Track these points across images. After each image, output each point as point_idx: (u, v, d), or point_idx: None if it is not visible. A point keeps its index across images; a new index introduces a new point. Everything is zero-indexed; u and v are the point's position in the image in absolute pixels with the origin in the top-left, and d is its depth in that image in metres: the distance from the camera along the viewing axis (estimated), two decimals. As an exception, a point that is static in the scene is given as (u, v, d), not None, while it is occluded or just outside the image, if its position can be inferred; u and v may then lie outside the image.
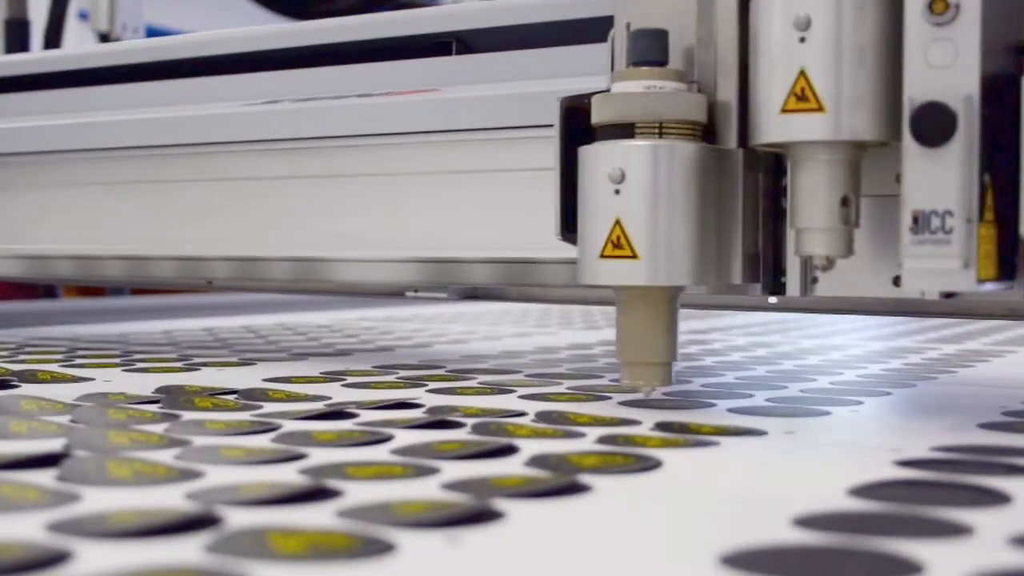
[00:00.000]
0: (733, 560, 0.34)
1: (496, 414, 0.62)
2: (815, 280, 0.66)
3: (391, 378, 0.79)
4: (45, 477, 0.44)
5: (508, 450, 0.51)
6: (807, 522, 0.38)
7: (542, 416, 0.61)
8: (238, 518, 0.38)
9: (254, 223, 0.92)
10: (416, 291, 0.94)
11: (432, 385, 0.75)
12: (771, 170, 0.67)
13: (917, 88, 0.56)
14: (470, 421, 0.59)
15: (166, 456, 0.49)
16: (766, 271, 0.67)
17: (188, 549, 0.34)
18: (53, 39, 2.38)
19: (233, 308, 1.77)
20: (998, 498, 0.42)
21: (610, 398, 0.69)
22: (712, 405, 0.67)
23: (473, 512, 0.39)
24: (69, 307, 1.94)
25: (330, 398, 0.68)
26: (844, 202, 0.60)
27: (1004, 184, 0.57)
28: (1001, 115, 0.57)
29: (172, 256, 0.97)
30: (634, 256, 0.63)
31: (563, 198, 0.67)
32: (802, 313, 1.45)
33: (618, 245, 0.63)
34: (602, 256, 0.64)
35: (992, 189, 0.57)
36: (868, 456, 0.51)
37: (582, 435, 0.55)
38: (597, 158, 0.64)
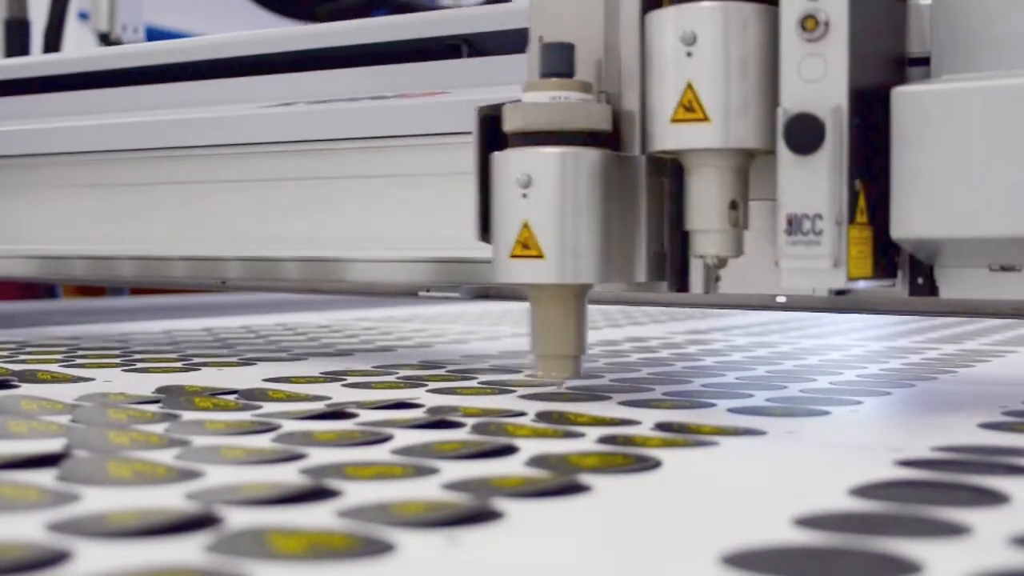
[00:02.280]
0: (733, 560, 0.34)
1: (496, 414, 0.62)
2: (718, 279, 0.70)
3: (391, 378, 0.79)
4: (45, 477, 0.44)
5: (508, 450, 0.51)
6: (807, 522, 0.38)
7: (542, 416, 0.61)
8: (238, 518, 0.38)
9: (265, 224, 0.94)
10: (428, 291, 0.96)
11: (432, 385, 0.75)
12: (676, 175, 0.69)
13: (790, 100, 0.60)
14: (470, 421, 0.59)
15: (166, 456, 0.49)
16: (672, 270, 0.71)
17: (188, 549, 0.34)
18: (53, 39, 2.38)
19: (233, 308, 1.77)
20: (998, 498, 0.42)
21: (610, 398, 0.69)
22: (712, 405, 0.67)
23: (473, 512, 0.39)
24: (69, 307, 1.94)
25: (330, 398, 0.68)
26: (733, 206, 0.64)
27: (878, 189, 0.61)
28: (875, 124, 0.61)
29: (185, 256, 0.99)
30: (541, 256, 0.67)
31: (480, 202, 0.71)
32: (806, 312, 1.47)
33: (526, 246, 0.67)
34: (512, 256, 0.68)
35: (864, 193, 0.60)
36: (868, 456, 0.51)
37: (582, 435, 0.55)
38: (507, 164, 0.68)
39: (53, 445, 0.50)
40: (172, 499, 0.41)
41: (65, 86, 1.09)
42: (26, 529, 0.36)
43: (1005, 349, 1.08)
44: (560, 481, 0.44)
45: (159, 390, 0.71)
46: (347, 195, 0.89)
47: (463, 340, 1.14)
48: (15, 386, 0.73)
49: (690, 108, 0.63)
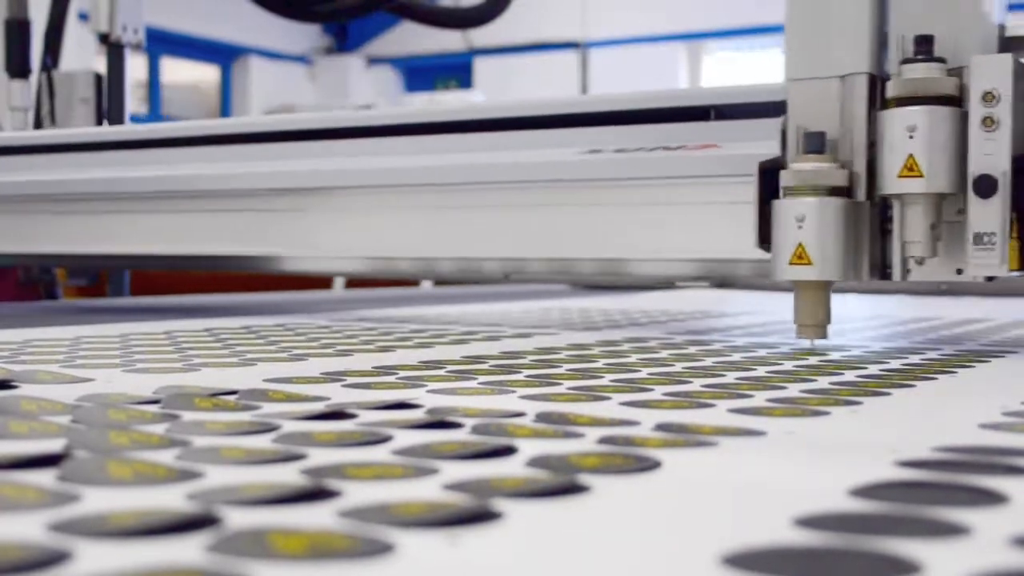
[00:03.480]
0: (733, 560, 0.34)
1: (496, 414, 0.62)
2: (908, 271, 1.06)
3: (391, 378, 0.79)
4: (45, 477, 0.44)
5: (508, 450, 0.51)
6: (807, 522, 0.38)
7: (542, 416, 0.61)
8: (238, 518, 0.38)
9: (572, 234, 1.33)
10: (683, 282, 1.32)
11: (432, 385, 0.75)
12: (883, 210, 1.07)
13: (976, 165, 1.00)
14: (470, 421, 0.59)
15: (166, 456, 0.49)
16: (879, 267, 1.08)
17: (188, 549, 0.34)
18: (53, 40, 2.38)
19: (233, 308, 1.77)
20: (998, 498, 0.42)
21: (610, 398, 0.69)
22: (712, 405, 0.67)
23: (473, 512, 0.39)
24: (69, 307, 1.94)
25: (330, 398, 0.68)
26: (933, 226, 1.02)
27: (1021, 219, 1.02)
28: (1019, 177, 1.00)
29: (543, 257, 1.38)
30: (810, 263, 1.04)
31: (760, 222, 1.08)
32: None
33: (800, 257, 1.04)
34: (789, 263, 1.05)
35: (1018, 222, 1.01)
36: (868, 456, 0.51)
37: (582, 435, 0.55)
38: (788, 207, 1.05)
39: (53, 445, 0.50)
40: (172, 499, 0.41)
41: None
42: (26, 529, 0.36)
43: (1005, 349, 1.08)
44: (560, 481, 0.44)
45: (159, 390, 0.71)
46: (643, 217, 1.29)
47: (463, 340, 1.14)
48: (15, 386, 0.73)
49: (911, 169, 1.01)
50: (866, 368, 0.89)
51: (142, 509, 0.39)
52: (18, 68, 2.33)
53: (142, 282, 2.56)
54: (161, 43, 7.92)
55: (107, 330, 1.25)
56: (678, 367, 0.89)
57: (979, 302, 2.01)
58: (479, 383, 0.77)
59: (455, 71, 9.56)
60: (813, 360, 0.95)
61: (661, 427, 0.58)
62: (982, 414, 0.64)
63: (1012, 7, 1.16)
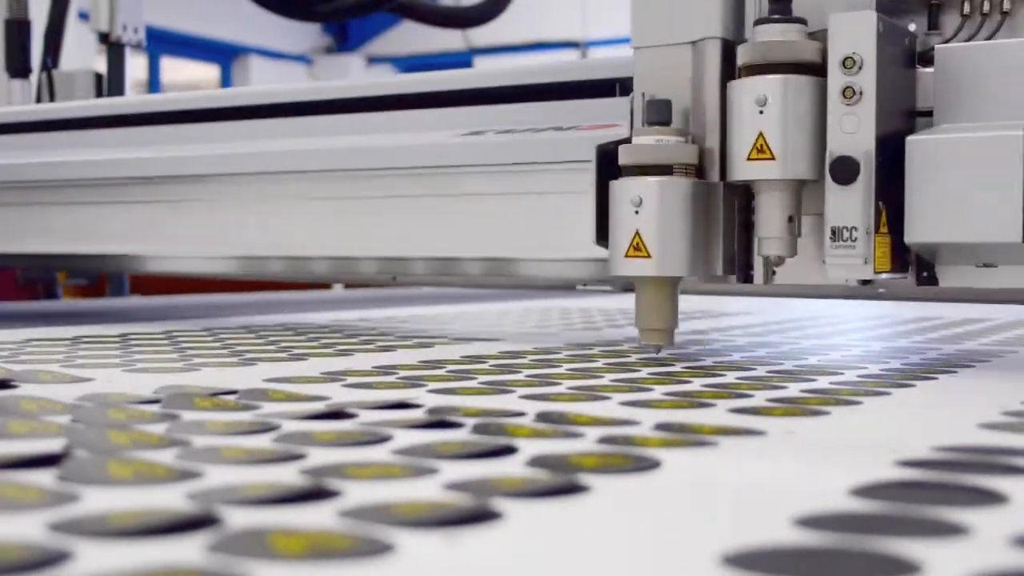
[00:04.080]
0: (733, 560, 0.34)
1: (496, 414, 0.62)
2: (774, 273, 0.91)
3: (391, 378, 0.79)
4: (45, 477, 0.44)
5: (508, 450, 0.51)
6: (807, 522, 0.38)
7: (542, 416, 0.61)
8: (238, 518, 0.38)
9: (455, 229, 1.16)
10: (585, 285, 1.18)
11: (432, 385, 0.75)
12: (744, 195, 0.93)
13: (835, 145, 0.84)
14: (470, 421, 0.59)
15: (166, 456, 0.49)
16: (740, 266, 0.94)
17: (188, 549, 0.34)
18: (53, 39, 2.38)
19: (233, 308, 1.77)
20: (998, 498, 0.42)
21: (610, 398, 0.69)
22: (712, 405, 0.67)
23: (473, 512, 0.39)
24: (69, 307, 1.94)
25: (330, 398, 0.68)
26: (790, 219, 0.87)
27: (896, 207, 0.85)
28: (894, 160, 0.84)
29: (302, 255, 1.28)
30: (648, 256, 0.89)
31: (598, 215, 0.93)
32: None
33: (637, 248, 0.89)
34: (626, 256, 0.90)
35: (886, 211, 0.84)
36: (868, 456, 0.51)
37: (582, 435, 0.55)
38: (623, 189, 0.90)
39: (53, 445, 0.50)
40: (172, 499, 0.41)
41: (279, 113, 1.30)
42: (26, 529, 0.36)
43: (1005, 349, 1.08)
44: (560, 481, 0.44)
45: (159, 390, 0.71)
46: (534, 209, 1.13)
47: (463, 340, 1.14)
48: (15, 386, 0.73)
49: (761, 150, 0.85)
50: (866, 368, 0.89)
51: (142, 509, 0.39)
52: (18, 68, 2.33)
53: (142, 282, 2.56)
54: (161, 43, 7.92)
55: (107, 330, 1.25)
56: (678, 367, 0.89)
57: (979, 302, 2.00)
58: (479, 383, 0.77)
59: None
60: (814, 360, 0.95)
61: (661, 427, 0.58)
62: (982, 414, 0.64)
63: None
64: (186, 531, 0.36)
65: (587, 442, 0.53)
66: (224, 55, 8.88)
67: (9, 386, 0.73)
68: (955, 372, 0.88)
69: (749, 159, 0.85)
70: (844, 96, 0.82)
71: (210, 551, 0.34)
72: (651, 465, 0.48)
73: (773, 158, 0.84)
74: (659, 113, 0.90)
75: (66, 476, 0.44)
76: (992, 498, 0.42)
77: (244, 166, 1.26)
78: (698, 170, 0.91)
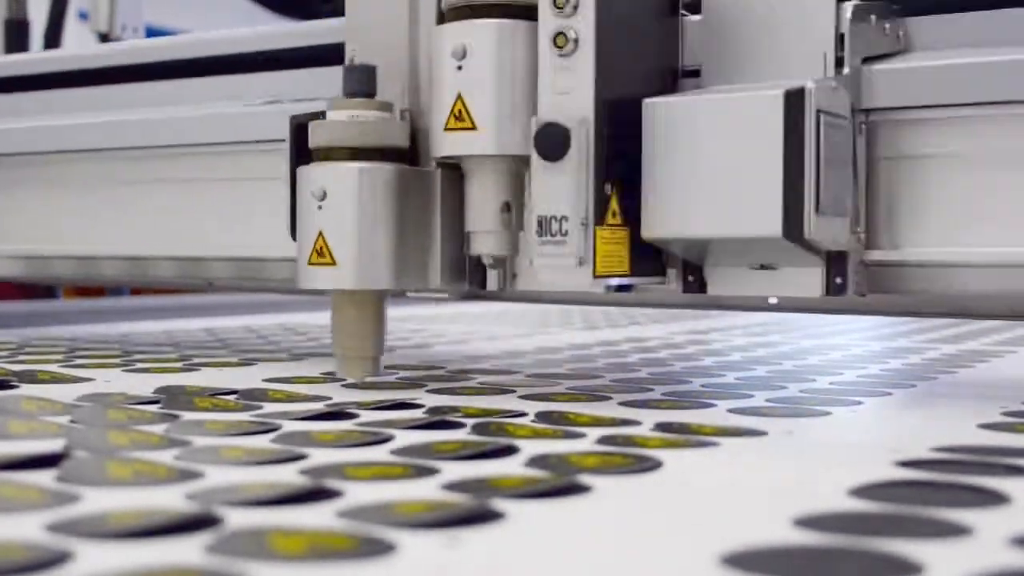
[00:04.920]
0: (733, 560, 0.34)
1: (496, 414, 0.62)
2: (515, 276, 0.72)
3: (391, 378, 0.79)
4: (45, 477, 0.44)
5: (508, 450, 0.51)
6: (807, 522, 0.38)
7: (542, 416, 0.61)
8: (238, 518, 0.38)
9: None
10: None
11: (432, 385, 0.75)
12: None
13: (543, 110, 0.64)
14: (470, 421, 0.59)
15: (166, 456, 0.49)
16: (472, 271, 0.74)
17: (188, 549, 0.34)
18: (53, 39, 2.38)
19: (233, 308, 1.77)
20: (998, 498, 0.42)
21: (610, 398, 0.69)
22: (712, 405, 0.67)
23: (473, 512, 0.39)
24: (69, 307, 1.94)
25: (330, 398, 0.68)
26: (506, 208, 0.69)
27: (630, 195, 0.65)
28: (633, 133, 0.65)
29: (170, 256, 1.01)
30: (333, 263, 0.71)
31: (292, 205, 0.75)
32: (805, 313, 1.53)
33: (321, 254, 0.71)
34: (310, 263, 0.72)
35: (618, 197, 0.64)
36: (868, 456, 0.51)
37: (582, 435, 0.55)
38: (308, 178, 0.72)
39: (53, 445, 0.50)
40: (172, 499, 0.41)
41: (48, 84, 1.09)
42: (26, 529, 0.36)
43: (1005, 349, 1.08)
44: (560, 481, 0.44)
45: (159, 390, 0.71)
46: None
47: (463, 340, 1.14)
48: (15, 386, 0.73)
49: (460, 118, 0.67)
50: (866, 368, 0.89)
51: (142, 509, 0.39)
52: (18, 68, 2.33)
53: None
54: (161, 43, 7.93)
55: (107, 330, 1.25)
56: (678, 367, 0.89)
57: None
58: (479, 383, 0.77)
59: (455, 71, 9.57)
60: (813, 360, 0.95)
61: (661, 427, 0.58)
62: (982, 414, 0.64)
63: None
64: (186, 531, 0.36)
65: (587, 442, 0.53)
66: (224, 55, 8.88)
67: (9, 386, 0.73)
68: (955, 372, 0.88)
69: (447, 128, 0.68)
70: (556, 45, 0.64)
71: (210, 551, 0.34)
72: (651, 465, 0.48)
73: (474, 128, 0.67)
74: (359, 82, 0.71)
75: (66, 476, 0.44)
76: (992, 498, 0.42)
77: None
78: (410, 154, 0.74)
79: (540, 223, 0.64)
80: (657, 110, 0.65)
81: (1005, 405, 0.68)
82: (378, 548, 0.34)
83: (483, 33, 0.67)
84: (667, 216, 0.65)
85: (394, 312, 1.67)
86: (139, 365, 0.87)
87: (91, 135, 1.01)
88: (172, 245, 0.99)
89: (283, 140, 0.77)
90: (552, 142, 0.63)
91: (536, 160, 0.64)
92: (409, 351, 1.01)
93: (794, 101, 0.61)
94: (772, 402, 0.69)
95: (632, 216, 0.65)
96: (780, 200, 0.61)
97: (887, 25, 0.68)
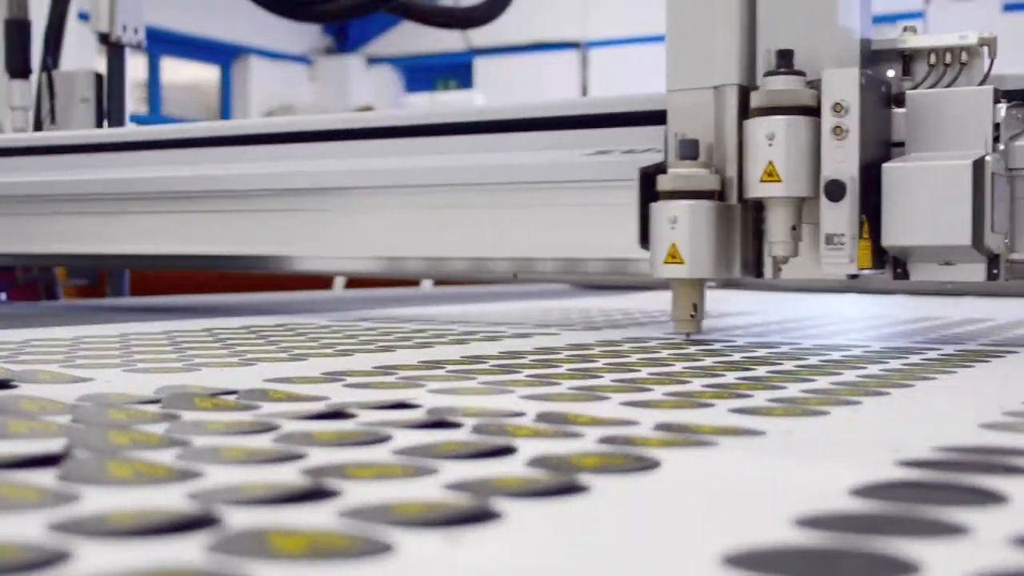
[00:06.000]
0: (733, 560, 0.34)
1: (496, 414, 0.62)
2: (779, 270, 1.16)
3: (391, 378, 0.79)
4: (45, 477, 0.44)
5: (508, 450, 0.51)
6: (807, 522, 0.38)
7: (542, 416, 0.61)
8: (238, 518, 0.38)
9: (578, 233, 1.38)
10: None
11: (432, 385, 0.75)
12: (755, 211, 1.18)
13: (827, 171, 1.09)
14: (470, 421, 0.59)
15: (166, 456, 0.49)
16: (753, 265, 1.19)
17: (188, 549, 0.34)
18: (53, 39, 2.38)
19: (233, 308, 1.77)
20: (998, 498, 0.42)
21: (610, 398, 0.69)
22: (712, 405, 0.67)
23: (473, 512, 0.39)
24: (69, 307, 1.94)
25: (330, 398, 0.68)
26: (793, 228, 1.12)
27: (875, 219, 1.10)
28: (873, 182, 1.10)
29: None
30: (682, 262, 1.14)
31: (641, 223, 1.17)
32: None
33: (673, 256, 1.14)
34: (664, 263, 1.15)
35: (867, 222, 1.10)
36: (868, 456, 0.51)
37: (582, 435, 0.55)
38: (663, 209, 1.15)
39: (53, 445, 0.50)
40: (172, 499, 0.41)
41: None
42: (26, 529, 0.36)
43: (1005, 349, 1.08)
44: (560, 481, 0.44)
45: (159, 390, 0.71)
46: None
47: (463, 340, 1.14)
48: (15, 386, 0.73)
49: (771, 174, 1.11)
50: (866, 368, 0.89)
51: (142, 509, 0.39)
52: (18, 68, 2.33)
53: (142, 282, 2.56)
54: (161, 43, 7.92)
55: (107, 330, 1.25)
56: (678, 367, 0.89)
57: (979, 302, 2.00)
58: (479, 383, 0.77)
59: (455, 71, 9.56)
60: (813, 360, 0.95)
61: (661, 427, 0.58)
62: (982, 414, 0.64)
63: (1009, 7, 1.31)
64: (186, 531, 0.36)
65: (587, 442, 0.53)
66: (224, 55, 8.88)
67: (9, 386, 0.73)
68: (955, 372, 0.88)
69: (761, 181, 1.11)
70: (834, 133, 1.08)
71: (210, 551, 0.34)
72: (651, 465, 0.48)
73: (780, 180, 1.10)
74: (689, 150, 1.15)
75: (66, 476, 0.44)
76: (992, 498, 0.42)
77: (392, 180, 1.49)
78: (720, 194, 1.15)
79: (827, 237, 1.08)
80: (893, 171, 1.09)
81: (1005, 405, 0.68)
82: (378, 548, 0.34)
83: (782, 123, 1.10)
84: (896, 232, 1.08)
85: (395, 312, 1.67)
86: (139, 365, 0.87)
87: (469, 175, 1.43)
88: (552, 249, 1.39)
89: (613, 179, 1.29)
90: (836, 190, 1.07)
91: (824, 201, 1.08)
92: (409, 351, 1.01)
93: (978, 166, 1.05)
94: (772, 402, 0.69)
95: (873, 235, 1.09)
96: (970, 223, 1.05)
97: (1020, 115, 1.12)
